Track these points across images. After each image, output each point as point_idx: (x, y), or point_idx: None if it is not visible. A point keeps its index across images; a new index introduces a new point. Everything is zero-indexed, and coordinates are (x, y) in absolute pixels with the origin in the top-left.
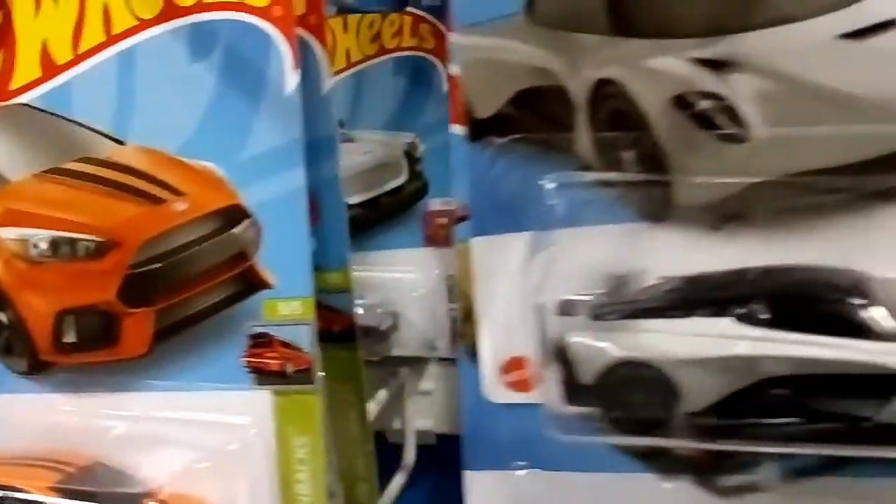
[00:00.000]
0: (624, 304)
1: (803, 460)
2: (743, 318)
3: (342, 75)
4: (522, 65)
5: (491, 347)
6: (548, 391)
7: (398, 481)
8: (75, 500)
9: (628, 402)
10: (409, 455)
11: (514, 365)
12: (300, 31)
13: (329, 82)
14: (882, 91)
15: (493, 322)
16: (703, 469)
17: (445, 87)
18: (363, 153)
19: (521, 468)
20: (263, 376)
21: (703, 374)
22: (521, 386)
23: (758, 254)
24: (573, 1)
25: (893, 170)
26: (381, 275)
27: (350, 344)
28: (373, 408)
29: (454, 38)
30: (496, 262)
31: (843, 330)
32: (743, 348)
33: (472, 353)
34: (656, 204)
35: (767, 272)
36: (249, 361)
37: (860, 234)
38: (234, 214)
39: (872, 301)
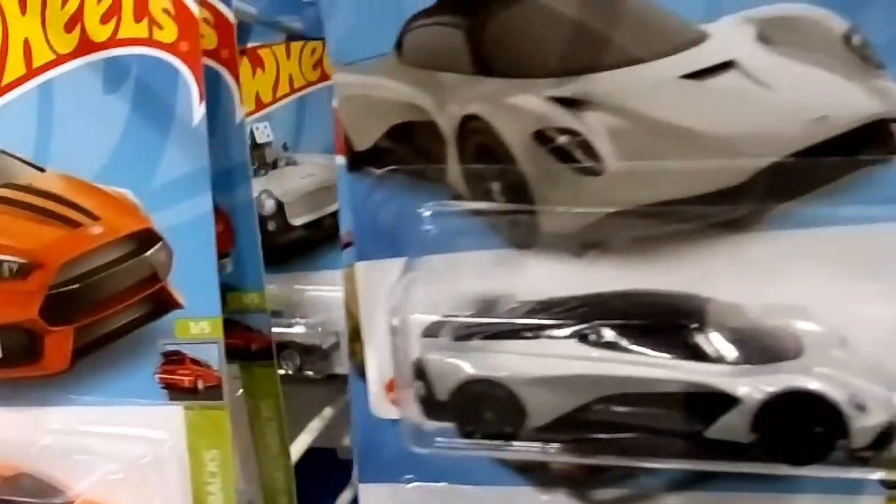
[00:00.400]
0: (484, 325)
1: (676, 473)
2: (585, 340)
3: (286, 100)
4: (395, 101)
5: (376, 366)
6: (408, 407)
7: (347, 497)
8: None
9: (480, 417)
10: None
11: None
12: (213, 65)
13: (241, 112)
14: (721, 128)
15: (376, 342)
16: (579, 482)
17: None
18: (307, 176)
19: (409, 481)
20: (176, 392)
21: (546, 392)
22: None
23: (616, 279)
24: (438, 42)
25: (734, 202)
26: (324, 294)
27: (268, 362)
28: (318, 425)
29: (333, 76)
30: (377, 285)
31: (677, 352)
32: (583, 368)
33: (361, 371)
34: (523, 232)
35: (612, 297)
36: (163, 378)
37: (705, 262)
38: (147, 238)
39: (706, 325)
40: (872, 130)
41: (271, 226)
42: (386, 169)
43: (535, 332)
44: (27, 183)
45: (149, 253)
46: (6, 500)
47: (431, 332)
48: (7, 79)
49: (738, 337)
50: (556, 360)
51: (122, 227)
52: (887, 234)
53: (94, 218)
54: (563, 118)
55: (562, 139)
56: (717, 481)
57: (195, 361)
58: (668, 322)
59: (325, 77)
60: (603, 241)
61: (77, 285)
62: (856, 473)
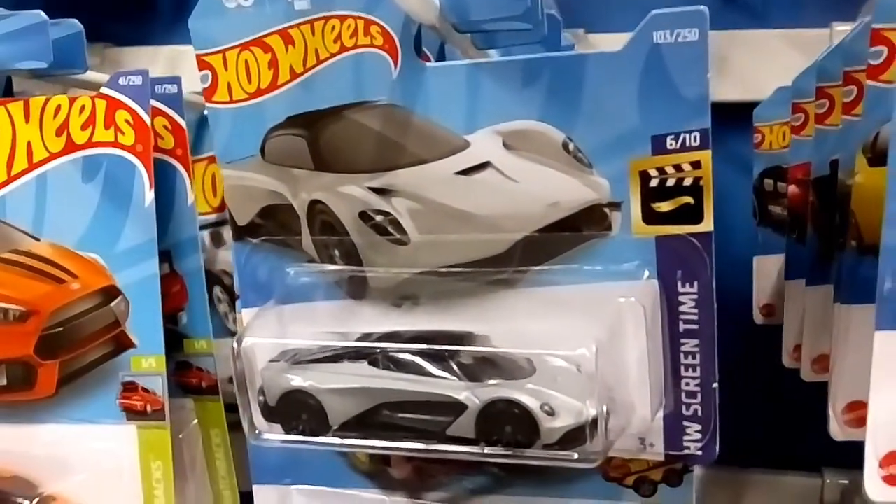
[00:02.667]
0: (313, 353)
1: (480, 480)
2: (373, 363)
3: None
4: (263, 189)
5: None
6: (246, 412)
7: None
8: None
9: (298, 419)
10: None
11: None
12: (170, 160)
13: (191, 196)
14: (486, 210)
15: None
16: (412, 487)
17: None
18: None
19: (288, 483)
20: (132, 414)
21: (341, 400)
22: None
23: (424, 322)
24: (288, 147)
25: (501, 265)
26: None
27: (215, 397)
28: None
29: (221, 171)
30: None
31: (435, 372)
32: (367, 382)
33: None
34: (357, 287)
35: (405, 333)
36: (122, 402)
37: (483, 309)
38: (111, 293)
39: (459, 353)
40: (591, 213)
41: None
42: (260, 239)
43: (342, 357)
44: (26, 249)
45: (112, 304)
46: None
47: (276, 358)
48: (15, 171)
49: (481, 362)
50: (350, 376)
51: (93, 284)
52: (607, 289)
53: (74, 276)
54: (378, 203)
55: (378, 218)
56: (510, 487)
57: (145, 390)
58: (433, 350)
59: None
60: (414, 295)
61: (62, 328)
62: (552, 462)
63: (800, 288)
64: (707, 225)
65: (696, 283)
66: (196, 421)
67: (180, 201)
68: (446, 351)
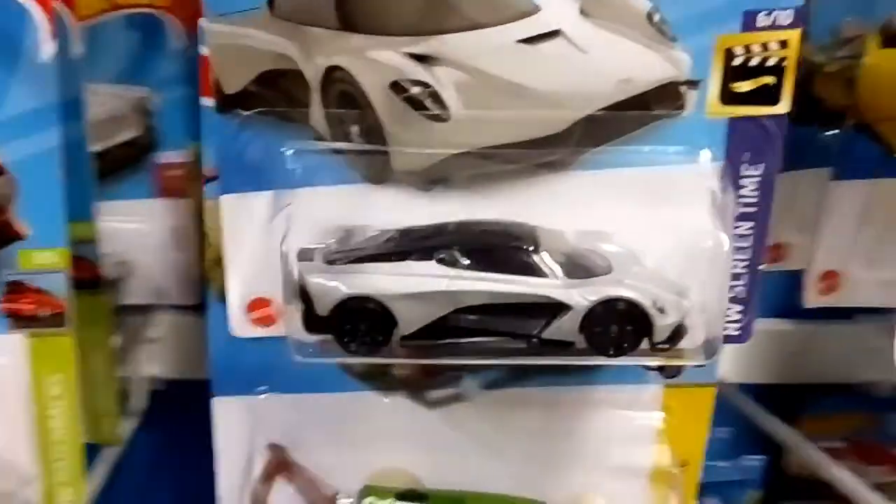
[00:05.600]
0: (350, 251)
1: (493, 374)
2: (443, 261)
3: None
4: (265, 50)
5: (238, 290)
6: (290, 324)
7: (129, 426)
8: None
9: (357, 330)
10: (140, 400)
11: (258, 304)
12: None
13: (78, 48)
14: (548, 85)
15: (239, 268)
16: (414, 385)
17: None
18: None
19: (262, 392)
20: (18, 320)
21: (413, 305)
22: (264, 321)
23: (457, 210)
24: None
25: (554, 146)
26: (112, 225)
27: (97, 290)
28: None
29: (203, 24)
30: (242, 216)
31: (517, 270)
32: (443, 284)
33: (220, 296)
34: (377, 169)
35: (462, 224)
36: (4, 307)
37: (528, 196)
38: None
39: (538, 247)
40: (665, 91)
41: None
42: (254, 111)
43: (400, 255)
44: None
45: None
46: None
47: (304, 256)
48: None
49: (564, 257)
50: (420, 278)
51: None
52: (674, 174)
53: None
54: (417, 72)
55: (415, 90)
56: (526, 379)
57: (38, 290)
58: (508, 245)
59: (115, 7)
60: (446, 178)
61: None
62: (647, 363)
63: None
64: (783, 106)
65: (761, 166)
66: None
67: (62, 54)
68: (530, 247)
